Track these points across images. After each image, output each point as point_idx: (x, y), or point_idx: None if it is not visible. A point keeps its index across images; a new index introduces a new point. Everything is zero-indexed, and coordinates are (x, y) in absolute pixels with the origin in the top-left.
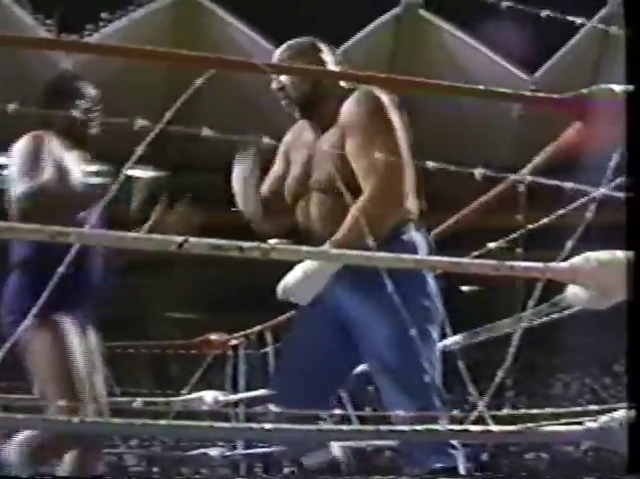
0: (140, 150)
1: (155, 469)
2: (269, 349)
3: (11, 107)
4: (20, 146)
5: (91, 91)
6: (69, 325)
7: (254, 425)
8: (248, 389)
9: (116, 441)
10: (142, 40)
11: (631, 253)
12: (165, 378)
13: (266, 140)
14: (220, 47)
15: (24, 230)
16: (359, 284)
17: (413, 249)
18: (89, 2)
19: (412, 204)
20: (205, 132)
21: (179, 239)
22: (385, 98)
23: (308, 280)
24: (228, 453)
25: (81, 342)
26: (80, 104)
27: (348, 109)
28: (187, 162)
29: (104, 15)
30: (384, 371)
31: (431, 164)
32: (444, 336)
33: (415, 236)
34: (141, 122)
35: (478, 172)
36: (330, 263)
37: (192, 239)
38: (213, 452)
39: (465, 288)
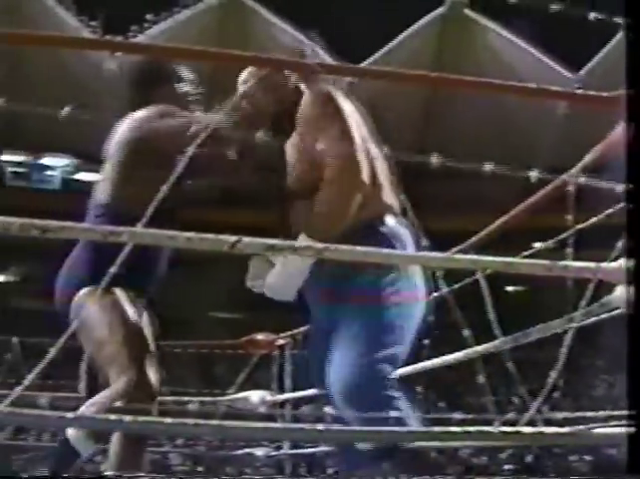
0: (190, 151)
1: (199, 468)
2: None
3: (65, 111)
4: (125, 126)
5: (189, 74)
6: (125, 298)
7: (306, 426)
8: (295, 389)
9: (161, 440)
10: (187, 41)
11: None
12: (212, 378)
13: None
14: (264, 47)
15: (77, 229)
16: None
17: (392, 241)
18: (133, 4)
19: (388, 196)
20: (259, 136)
21: (232, 238)
22: (336, 91)
23: (284, 278)
24: (274, 453)
25: (138, 316)
26: (178, 87)
27: (301, 108)
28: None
29: (148, 17)
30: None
31: (488, 166)
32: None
33: (395, 227)
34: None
35: (533, 174)
36: (303, 259)
37: (245, 239)
38: (259, 452)
39: (509, 288)
